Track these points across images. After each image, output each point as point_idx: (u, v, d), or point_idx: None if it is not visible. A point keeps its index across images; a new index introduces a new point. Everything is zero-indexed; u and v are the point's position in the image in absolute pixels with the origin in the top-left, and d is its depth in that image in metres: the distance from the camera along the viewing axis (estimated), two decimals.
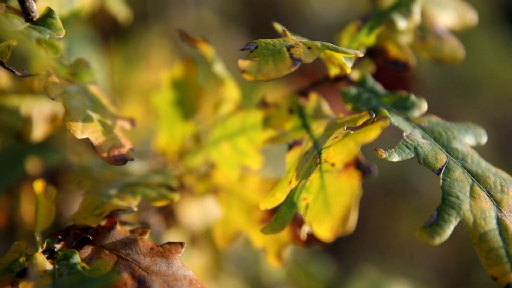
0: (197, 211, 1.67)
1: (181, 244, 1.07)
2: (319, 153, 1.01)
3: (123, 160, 1.09)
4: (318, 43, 1.02)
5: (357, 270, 2.23)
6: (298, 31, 1.18)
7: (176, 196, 1.21)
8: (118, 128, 1.15)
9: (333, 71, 1.21)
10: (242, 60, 0.99)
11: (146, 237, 1.08)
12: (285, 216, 0.98)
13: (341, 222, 0.87)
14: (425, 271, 3.14)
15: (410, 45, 1.26)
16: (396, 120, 1.10)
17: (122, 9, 1.62)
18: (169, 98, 1.42)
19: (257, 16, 3.41)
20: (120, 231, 1.08)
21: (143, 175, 1.35)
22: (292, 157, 1.14)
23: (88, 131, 1.08)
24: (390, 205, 3.31)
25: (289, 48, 1.01)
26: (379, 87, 1.21)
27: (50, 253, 1.03)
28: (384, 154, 1.02)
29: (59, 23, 1.06)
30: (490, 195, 1.01)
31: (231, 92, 1.35)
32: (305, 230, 1.26)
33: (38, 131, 1.40)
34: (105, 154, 1.08)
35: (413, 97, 1.15)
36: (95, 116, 1.11)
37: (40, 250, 1.03)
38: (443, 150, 1.06)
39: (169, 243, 1.07)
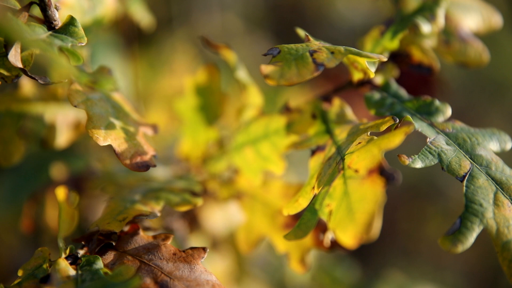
0: (220, 216, 1.67)
1: (204, 249, 1.07)
2: (342, 159, 1.00)
3: (145, 166, 1.10)
4: (341, 48, 1.02)
5: (383, 274, 2.21)
6: (324, 35, 1.18)
7: (199, 201, 1.21)
8: (141, 135, 1.16)
9: (357, 76, 1.20)
10: (265, 65, 0.99)
11: (169, 242, 1.08)
12: (308, 222, 0.98)
13: (365, 229, 0.87)
14: (452, 275, 3.10)
15: (434, 49, 1.24)
16: (420, 125, 1.09)
17: (145, 15, 1.64)
18: (192, 104, 1.42)
19: (282, 20, 3.40)
20: (143, 237, 1.09)
21: (166, 181, 1.35)
22: (315, 163, 1.14)
23: (110, 138, 1.09)
24: (416, 208, 3.28)
25: (312, 53, 1.00)
26: (403, 92, 1.19)
27: (73, 259, 1.04)
28: (407, 161, 1.00)
29: (81, 31, 1.07)
30: None
31: (254, 98, 1.35)
32: (328, 236, 1.25)
33: (62, 138, 1.41)
34: (127, 161, 1.09)
35: (437, 102, 1.13)
36: (117, 123, 1.12)
37: (63, 256, 1.03)
38: (467, 156, 1.05)
39: (192, 248, 1.06)
